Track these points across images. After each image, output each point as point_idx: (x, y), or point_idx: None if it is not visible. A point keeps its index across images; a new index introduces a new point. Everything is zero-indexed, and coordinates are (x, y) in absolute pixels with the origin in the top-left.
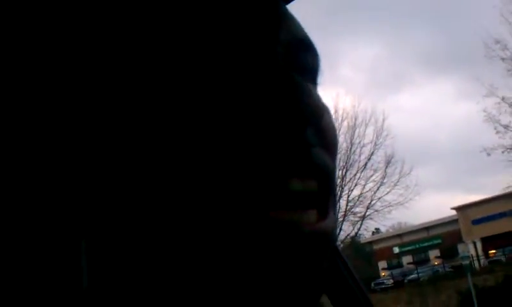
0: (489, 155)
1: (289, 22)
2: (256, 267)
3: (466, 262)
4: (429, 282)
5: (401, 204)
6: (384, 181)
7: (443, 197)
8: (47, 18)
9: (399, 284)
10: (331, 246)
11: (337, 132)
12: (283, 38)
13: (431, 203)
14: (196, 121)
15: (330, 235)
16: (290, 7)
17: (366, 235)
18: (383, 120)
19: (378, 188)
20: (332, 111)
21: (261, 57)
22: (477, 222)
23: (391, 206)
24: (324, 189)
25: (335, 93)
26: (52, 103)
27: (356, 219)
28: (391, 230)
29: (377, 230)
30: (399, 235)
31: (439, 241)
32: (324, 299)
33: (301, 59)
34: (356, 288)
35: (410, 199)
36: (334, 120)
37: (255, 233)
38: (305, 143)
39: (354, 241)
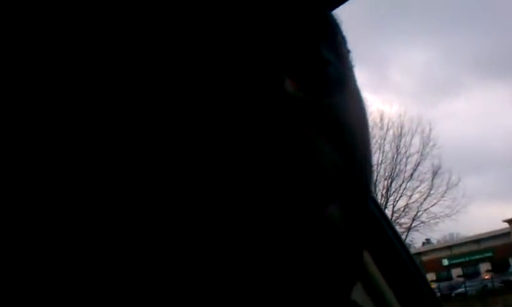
0: None
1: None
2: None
3: None
4: (477, 296)
5: (448, 216)
6: (431, 192)
7: (498, 208)
8: (46, 18)
9: (445, 298)
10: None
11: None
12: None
13: (485, 214)
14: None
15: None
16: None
17: (416, 245)
18: (430, 130)
19: (425, 200)
20: (377, 120)
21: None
22: None
23: (437, 218)
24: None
25: (381, 100)
26: (50, 103)
27: (402, 230)
28: (442, 241)
29: (428, 241)
30: (449, 247)
31: (490, 254)
32: (367, 256)
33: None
34: (399, 244)
35: (457, 211)
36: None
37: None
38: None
39: None
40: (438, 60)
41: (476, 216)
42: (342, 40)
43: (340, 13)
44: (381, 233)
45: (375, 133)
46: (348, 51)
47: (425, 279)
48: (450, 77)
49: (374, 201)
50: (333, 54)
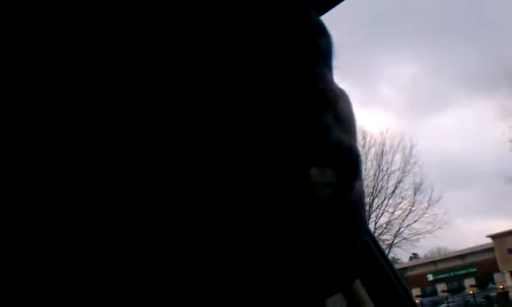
0: None
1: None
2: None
3: (493, 294)
4: None
5: (430, 232)
6: (413, 208)
7: (486, 222)
8: (46, 18)
9: None
10: (357, 222)
11: (354, 117)
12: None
13: (474, 228)
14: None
15: (355, 209)
16: (325, 19)
17: (404, 260)
18: (411, 147)
19: (407, 216)
20: (360, 138)
21: (280, 43)
22: None
23: (419, 234)
24: (344, 172)
25: (363, 117)
26: (50, 103)
27: (384, 246)
28: (429, 255)
29: (415, 255)
30: (434, 262)
31: (474, 269)
32: (357, 283)
33: (316, 42)
34: (390, 272)
35: (439, 228)
36: (350, 105)
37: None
38: (321, 127)
39: None
40: (424, 75)
41: (465, 230)
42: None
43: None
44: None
45: None
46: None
47: (406, 290)
48: (436, 92)
49: None
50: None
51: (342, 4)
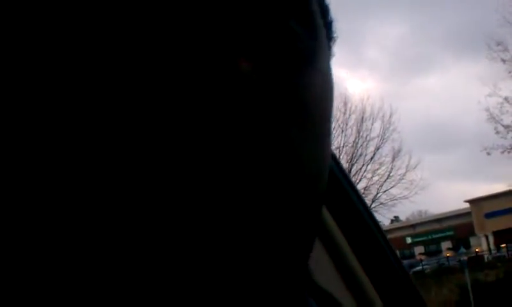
0: (489, 154)
1: None
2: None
3: (464, 258)
4: (434, 275)
5: (406, 198)
6: (391, 174)
7: (468, 185)
8: (46, 17)
9: None
10: None
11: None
12: None
13: (456, 191)
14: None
15: None
16: None
17: (385, 223)
18: (390, 115)
19: (384, 182)
20: (341, 105)
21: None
22: (489, 215)
23: (396, 199)
24: None
25: (344, 84)
26: (50, 103)
27: None
28: (411, 218)
29: (396, 218)
30: (412, 226)
31: (451, 233)
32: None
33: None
34: (357, 199)
35: (415, 193)
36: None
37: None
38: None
39: None
40: (407, 37)
41: (448, 193)
42: (318, 10)
43: None
44: (342, 193)
45: (338, 117)
46: (327, 22)
47: (388, 242)
48: (420, 54)
49: (335, 159)
50: (303, 27)
51: None
